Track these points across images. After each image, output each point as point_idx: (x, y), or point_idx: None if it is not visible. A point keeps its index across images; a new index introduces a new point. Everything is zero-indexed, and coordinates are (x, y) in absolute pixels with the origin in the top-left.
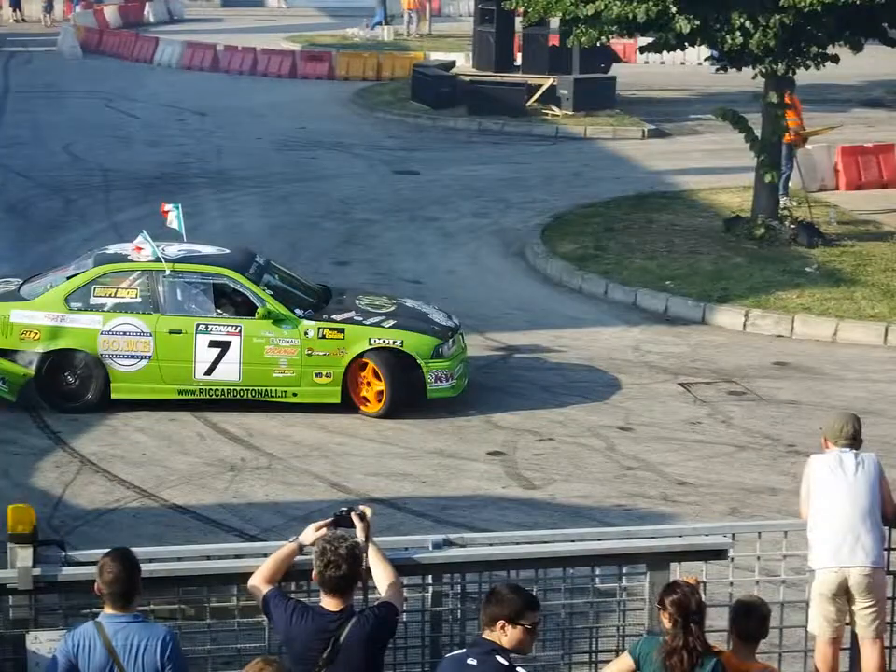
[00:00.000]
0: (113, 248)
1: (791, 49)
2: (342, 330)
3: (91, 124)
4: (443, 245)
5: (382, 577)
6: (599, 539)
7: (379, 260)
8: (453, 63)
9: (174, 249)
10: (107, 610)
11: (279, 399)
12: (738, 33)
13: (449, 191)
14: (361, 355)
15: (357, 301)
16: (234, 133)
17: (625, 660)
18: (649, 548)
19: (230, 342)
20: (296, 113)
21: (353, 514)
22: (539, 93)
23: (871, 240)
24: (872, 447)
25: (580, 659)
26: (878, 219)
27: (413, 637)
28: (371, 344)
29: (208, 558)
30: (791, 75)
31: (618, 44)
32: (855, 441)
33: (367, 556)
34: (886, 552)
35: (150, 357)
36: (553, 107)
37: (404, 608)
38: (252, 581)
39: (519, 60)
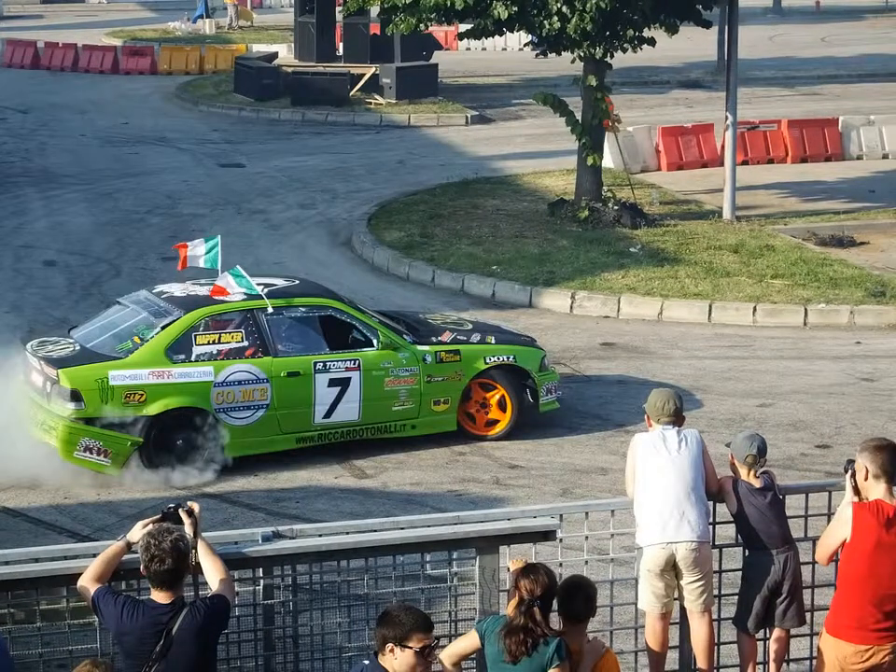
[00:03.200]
0: (169, 288)
1: (608, 33)
2: (457, 352)
3: None
4: (270, 238)
5: (212, 571)
6: (429, 526)
7: None
8: (275, 55)
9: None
10: None
11: (397, 434)
12: (556, 17)
13: (275, 183)
14: (478, 375)
15: (437, 321)
16: (57, 130)
17: (471, 636)
18: (478, 532)
19: (349, 378)
20: (119, 108)
21: (181, 510)
22: (362, 83)
23: (693, 219)
24: (699, 423)
25: None
26: (700, 199)
27: (245, 630)
28: (486, 363)
29: (36, 560)
30: (608, 58)
31: (439, 31)
32: (677, 419)
33: (196, 552)
34: (711, 526)
35: (268, 405)
36: (377, 96)
37: (236, 601)
38: (81, 582)
39: (341, 50)
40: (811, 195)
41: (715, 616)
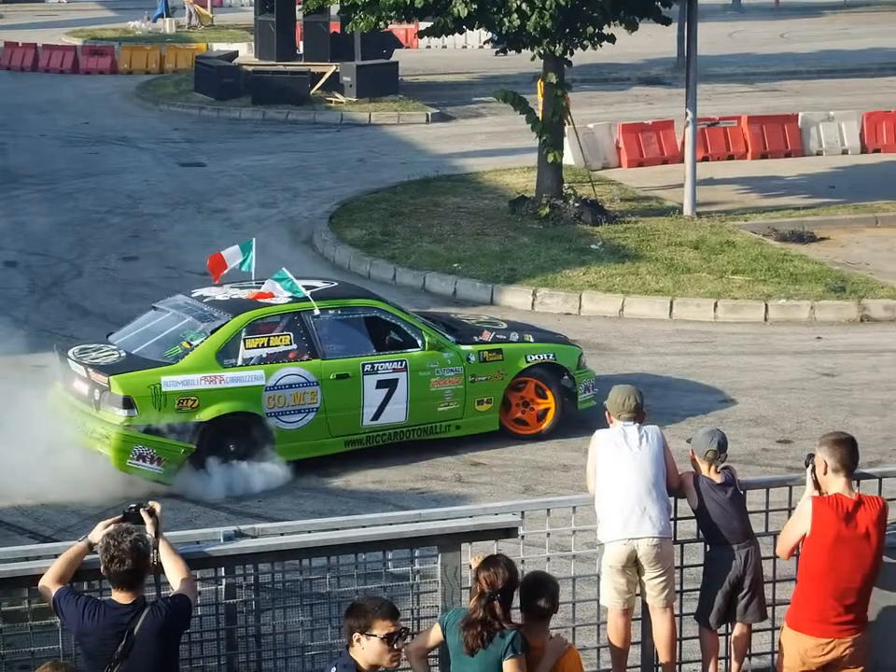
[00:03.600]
0: (208, 292)
1: (568, 30)
2: (500, 351)
3: None
4: (231, 237)
5: (173, 571)
6: (390, 524)
7: (167, 254)
8: (235, 54)
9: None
10: None
11: (442, 436)
12: (515, 15)
13: (236, 182)
14: (519, 374)
15: (471, 320)
16: (18, 130)
17: (434, 629)
18: (439, 530)
19: (396, 379)
20: (80, 108)
21: (142, 510)
22: (323, 81)
23: (654, 216)
24: (661, 419)
25: None
26: (660, 195)
27: (207, 630)
28: (527, 362)
29: None
30: (568, 55)
31: (400, 30)
32: (638, 414)
33: (158, 552)
34: (672, 522)
35: (318, 408)
36: (337, 95)
37: (198, 601)
38: (42, 582)
39: (301, 48)
40: (771, 191)
41: (677, 611)
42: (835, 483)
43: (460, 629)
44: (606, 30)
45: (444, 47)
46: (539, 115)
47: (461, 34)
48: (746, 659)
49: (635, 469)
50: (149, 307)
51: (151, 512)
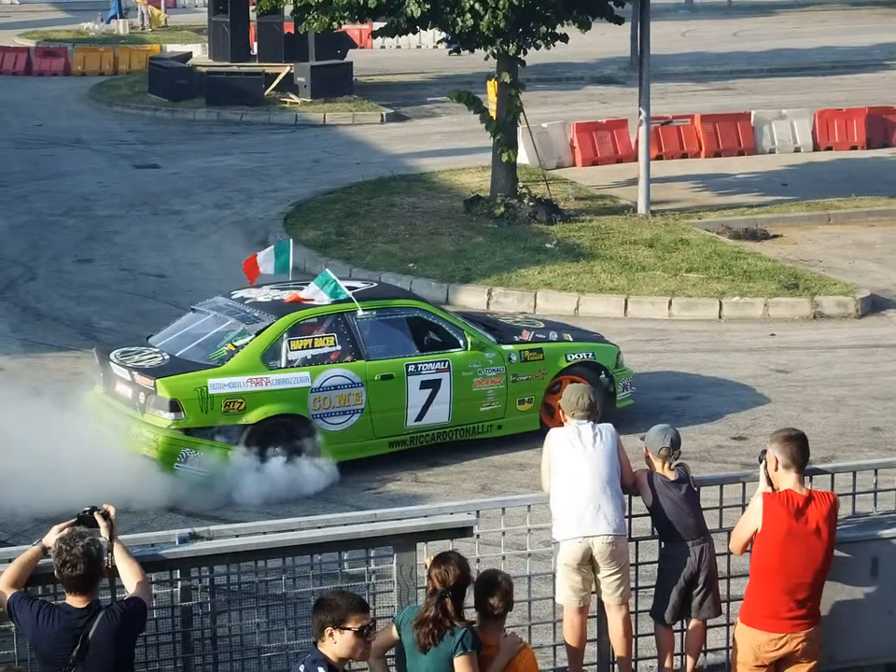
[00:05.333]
0: (249, 293)
1: (521, 30)
2: (540, 350)
3: None
4: (187, 238)
5: (128, 574)
6: (346, 524)
7: (123, 256)
8: (189, 55)
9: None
10: None
11: (483, 436)
12: (469, 15)
13: (191, 184)
14: (560, 373)
15: (508, 320)
16: None
17: (390, 627)
18: (394, 530)
19: (439, 380)
20: (33, 110)
21: (96, 514)
22: (277, 82)
23: (608, 214)
24: (615, 417)
25: None
26: (615, 194)
27: (163, 633)
28: (567, 361)
29: None
30: (522, 55)
31: (354, 30)
32: (592, 413)
33: (112, 555)
34: (627, 519)
35: (362, 409)
36: (292, 95)
37: (153, 603)
38: None
39: (255, 49)
40: (725, 189)
41: (632, 608)
42: (786, 480)
43: (413, 627)
44: (559, 29)
45: (399, 47)
46: (493, 114)
47: (415, 34)
48: (701, 655)
49: (589, 467)
50: (188, 309)
51: (106, 515)
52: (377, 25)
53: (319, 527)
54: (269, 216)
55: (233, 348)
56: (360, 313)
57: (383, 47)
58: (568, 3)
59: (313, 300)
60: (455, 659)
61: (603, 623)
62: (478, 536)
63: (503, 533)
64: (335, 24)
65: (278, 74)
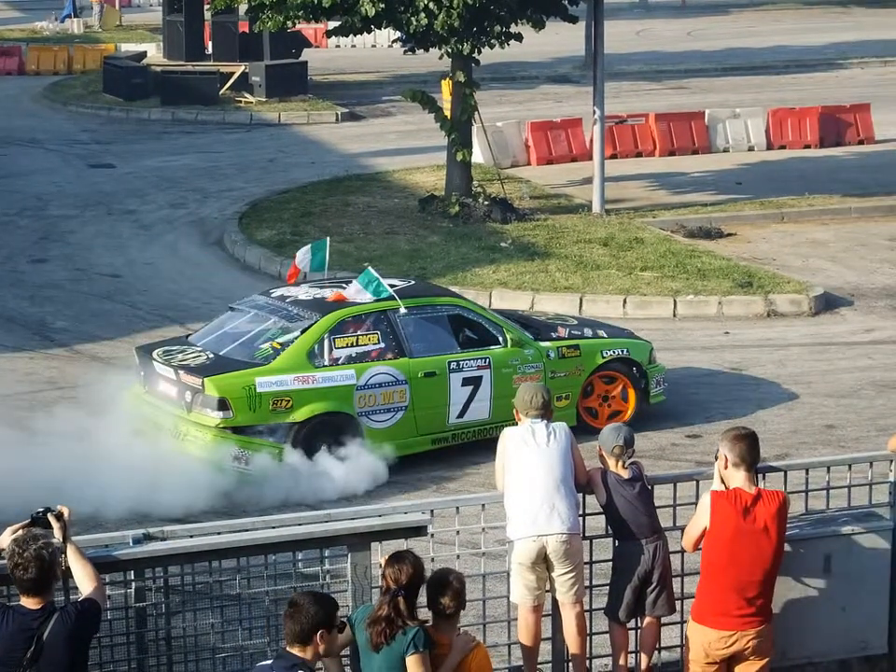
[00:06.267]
0: (289, 291)
1: (475, 29)
2: (577, 347)
3: None
4: (142, 238)
5: (82, 576)
6: (300, 524)
7: (77, 256)
8: (144, 54)
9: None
10: None
11: None
12: (423, 14)
13: (145, 183)
14: (596, 370)
15: (540, 317)
16: None
17: (344, 627)
18: (349, 529)
19: (481, 377)
20: None
21: (49, 515)
22: (232, 81)
23: (563, 213)
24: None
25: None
26: (569, 192)
27: (118, 634)
28: (603, 357)
29: None
30: (476, 54)
31: (309, 29)
32: (546, 412)
33: (66, 556)
34: (581, 517)
35: (406, 407)
36: (246, 94)
37: (107, 605)
38: None
39: (210, 48)
40: (679, 188)
41: (587, 607)
42: (736, 478)
43: (366, 626)
44: (513, 28)
45: (353, 46)
46: (448, 114)
47: (369, 33)
48: (655, 652)
49: (543, 465)
50: (227, 308)
51: (59, 517)
52: (332, 24)
53: (274, 527)
54: (224, 215)
55: (278, 346)
56: (402, 310)
57: (338, 46)
58: (522, 2)
59: (356, 298)
60: (407, 658)
61: (557, 622)
62: (432, 535)
63: (458, 532)
64: (289, 23)
65: (233, 73)
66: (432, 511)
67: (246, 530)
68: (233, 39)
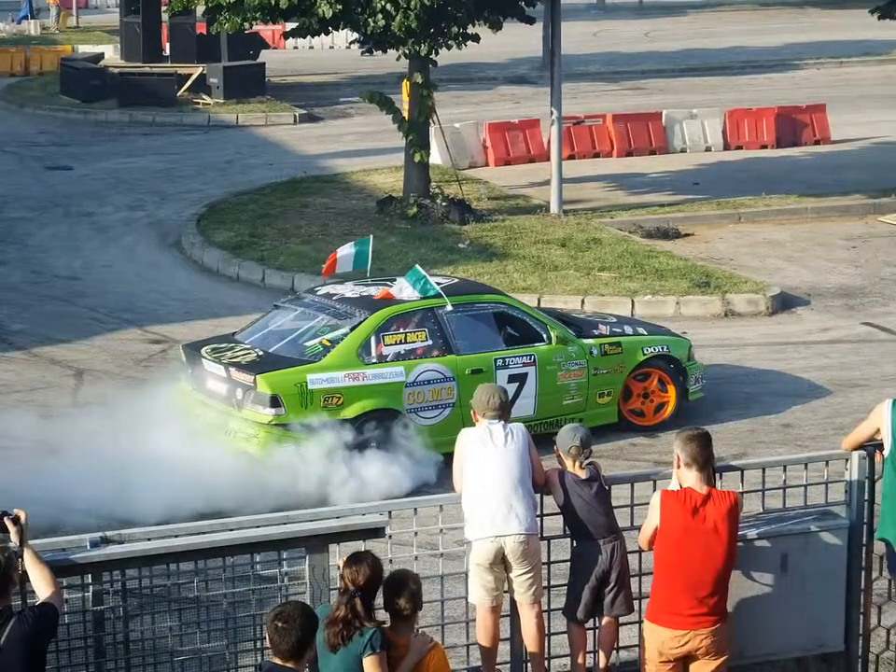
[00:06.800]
0: (334, 289)
1: (432, 30)
2: (619, 344)
3: None
4: (99, 240)
5: (39, 580)
6: (258, 526)
7: (34, 258)
8: (101, 56)
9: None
10: None
11: None
12: (380, 15)
13: (103, 185)
14: (637, 367)
15: (581, 315)
16: None
17: None
18: (306, 531)
19: (526, 373)
20: None
21: (5, 519)
22: (189, 83)
23: (521, 214)
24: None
25: (245, 647)
26: (527, 193)
27: (75, 638)
28: (644, 354)
29: None
30: (433, 55)
31: (267, 31)
32: (503, 412)
33: (23, 560)
34: (539, 518)
35: (454, 404)
36: (204, 96)
37: (65, 608)
38: None
39: (167, 50)
40: (636, 188)
41: (545, 607)
42: (688, 477)
43: (323, 627)
44: (470, 29)
45: (311, 47)
46: (406, 115)
47: (327, 34)
48: (613, 652)
49: (501, 466)
50: (273, 305)
51: (16, 520)
52: (289, 26)
53: (231, 529)
54: (182, 217)
55: (328, 343)
56: (448, 307)
57: (296, 47)
58: (480, 3)
59: (402, 296)
60: (364, 659)
61: (516, 622)
62: (390, 536)
63: (416, 533)
64: (247, 25)
65: (191, 75)
66: (390, 512)
67: (204, 533)
68: (191, 41)
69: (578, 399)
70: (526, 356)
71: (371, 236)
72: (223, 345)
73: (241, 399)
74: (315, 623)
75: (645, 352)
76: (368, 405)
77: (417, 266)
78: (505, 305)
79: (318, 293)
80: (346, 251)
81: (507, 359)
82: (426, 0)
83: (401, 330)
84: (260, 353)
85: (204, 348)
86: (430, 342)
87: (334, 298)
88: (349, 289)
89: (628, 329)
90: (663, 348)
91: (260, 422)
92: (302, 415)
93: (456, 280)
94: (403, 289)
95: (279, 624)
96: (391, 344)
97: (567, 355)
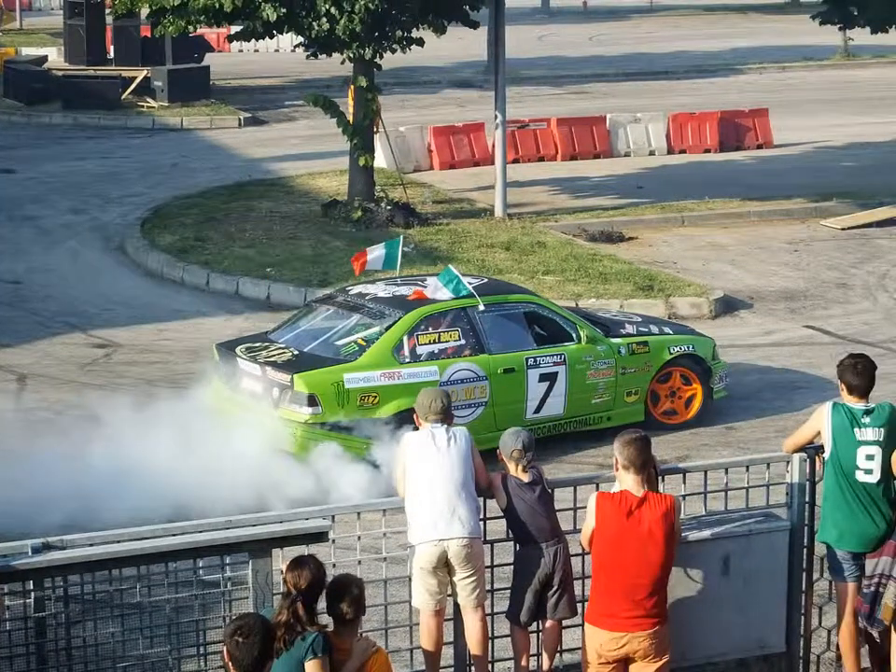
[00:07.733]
0: (365, 289)
1: (377, 34)
2: (646, 343)
3: None
4: (42, 244)
5: None
6: (200, 531)
7: None
8: (45, 58)
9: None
10: None
11: (594, 427)
12: (324, 19)
13: (47, 189)
14: (664, 366)
15: (606, 314)
16: None
17: None
18: (249, 536)
19: (556, 373)
20: None
21: None
22: (134, 86)
23: (465, 217)
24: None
25: (188, 653)
26: (472, 197)
27: (17, 645)
28: (670, 353)
29: None
30: (378, 59)
31: (211, 34)
32: (446, 416)
33: None
34: (482, 522)
35: (486, 402)
36: (149, 99)
37: (6, 615)
38: None
39: (112, 52)
40: (581, 192)
41: (488, 611)
42: (626, 480)
43: None
44: (415, 33)
45: (256, 51)
46: (351, 118)
47: (272, 38)
48: (557, 655)
49: (444, 470)
50: (304, 305)
51: None
52: (234, 29)
53: (174, 535)
54: (126, 220)
55: (364, 343)
56: (481, 307)
57: (240, 51)
58: (424, 7)
59: (435, 296)
60: (306, 663)
61: (459, 626)
62: (333, 541)
63: (359, 537)
64: (191, 28)
65: (135, 78)
66: (333, 516)
67: (146, 538)
68: (135, 44)
69: (606, 397)
70: (557, 355)
71: (402, 237)
72: (257, 344)
73: (277, 398)
74: (274, 634)
75: (671, 351)
76: (403, 404)
77: (451, 266)
78: (535, 305)
79: (351, 293)
80: (377, 252)
81: (538, 358)
82: (370, 4)
83: (435, 330)
84: (296, 352)
85: (239, 347)
86: (463, 341)
87: (367, 297)
88: (381, 289)
89: (654, 329)
90: (688, 347)
91: (297, 421)
92: (339, 414)
93: (487, 280)
94: (437, 289)
95: (240, 640)
96: (425, 344)
97: (596, 354)
